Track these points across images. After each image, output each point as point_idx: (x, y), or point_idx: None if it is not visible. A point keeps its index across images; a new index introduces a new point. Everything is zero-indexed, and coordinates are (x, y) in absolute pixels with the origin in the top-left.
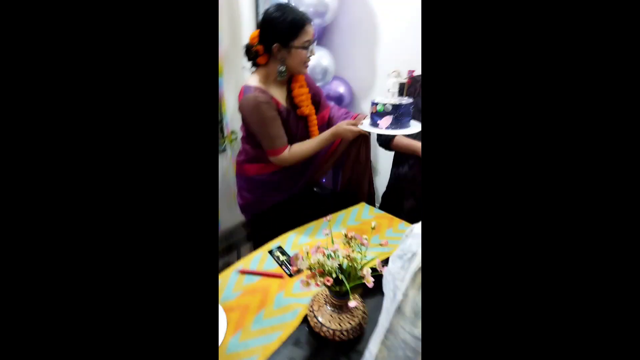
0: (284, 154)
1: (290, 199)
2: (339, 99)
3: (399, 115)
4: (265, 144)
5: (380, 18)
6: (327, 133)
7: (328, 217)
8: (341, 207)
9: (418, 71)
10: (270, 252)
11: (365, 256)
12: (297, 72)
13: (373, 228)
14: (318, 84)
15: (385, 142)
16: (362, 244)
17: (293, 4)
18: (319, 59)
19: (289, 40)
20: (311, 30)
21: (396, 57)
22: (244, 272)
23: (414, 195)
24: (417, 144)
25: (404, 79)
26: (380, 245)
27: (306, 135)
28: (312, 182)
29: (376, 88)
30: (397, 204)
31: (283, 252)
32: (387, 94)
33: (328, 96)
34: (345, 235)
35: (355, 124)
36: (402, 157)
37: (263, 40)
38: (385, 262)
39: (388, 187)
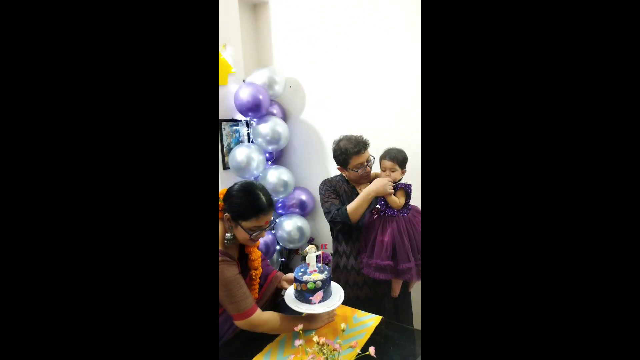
0: (256, 315)
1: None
2: (302, 205)
3: (327, 287)
4: (231, 309)
5: (324, 136)
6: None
7: (299, 327)
8: None
9: None
10: None
11: None
12: (243, 244)
13: (343, 330)
14: (280, 196)
15: None
16: (335, 350)
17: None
18: (279, 174)
19: (240, 219)
20: (265, 218)
21: None
22: None
23: (358, 284)
24: None
25: (319, 251)
26: (350, 347)
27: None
28: None
29: None
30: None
31: None
32: (309, 266)
33: (292, 205)
34: (317, 343)
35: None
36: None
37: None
38: None
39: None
